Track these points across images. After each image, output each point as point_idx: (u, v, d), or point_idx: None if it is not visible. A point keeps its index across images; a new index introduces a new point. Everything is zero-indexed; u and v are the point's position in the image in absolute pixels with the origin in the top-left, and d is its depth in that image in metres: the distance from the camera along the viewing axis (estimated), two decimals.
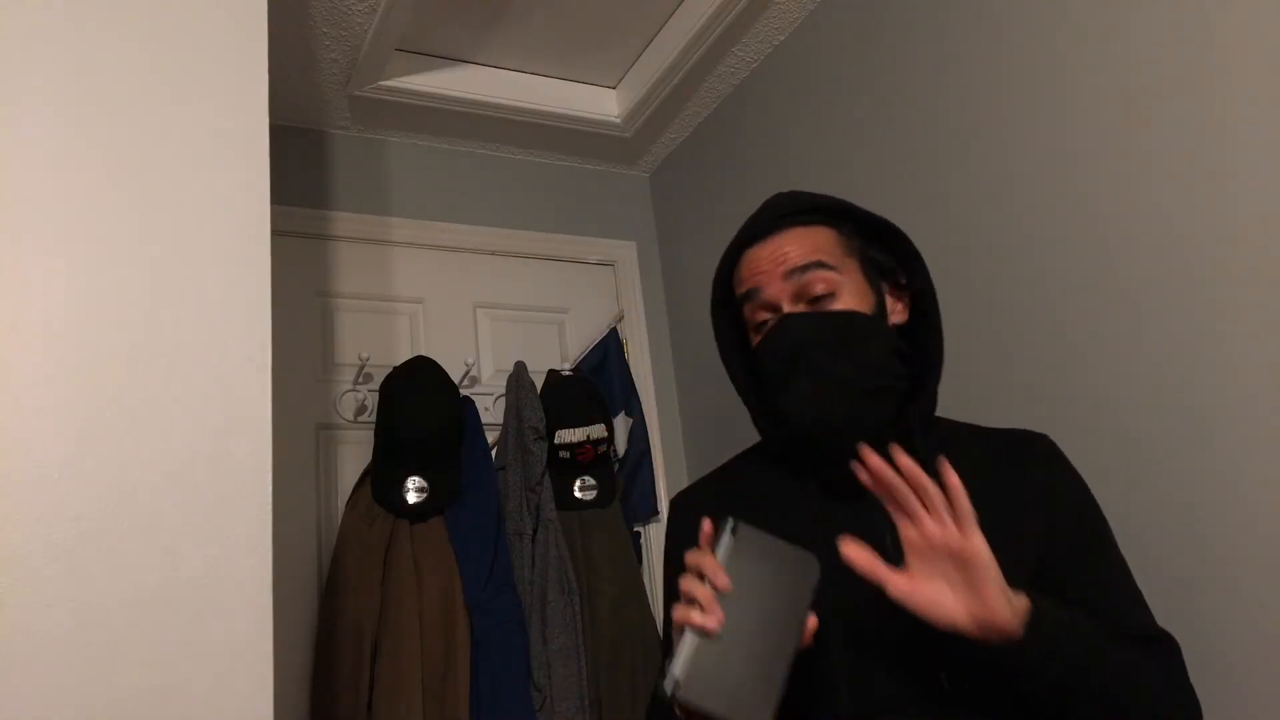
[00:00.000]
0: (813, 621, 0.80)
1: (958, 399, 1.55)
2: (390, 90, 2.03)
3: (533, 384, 2.02)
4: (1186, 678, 0.87)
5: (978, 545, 0.76)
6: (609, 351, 2.23)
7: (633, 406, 2.19)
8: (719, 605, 0.77)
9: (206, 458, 1.00)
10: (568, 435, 1.97)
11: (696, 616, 0.77)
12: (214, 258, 1.07)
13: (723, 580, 0.78)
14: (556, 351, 2.29)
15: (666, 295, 2.45)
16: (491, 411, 2.08)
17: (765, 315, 0.98)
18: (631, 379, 2.24)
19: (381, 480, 1.81)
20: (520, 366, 2.04)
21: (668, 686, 0.75)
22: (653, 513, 2.17)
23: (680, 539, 1.06)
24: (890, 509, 0.80)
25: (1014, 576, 0.79)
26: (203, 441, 1.01)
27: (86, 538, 0.93)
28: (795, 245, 0.98)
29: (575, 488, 1.98)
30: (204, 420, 1.01)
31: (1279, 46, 1.13)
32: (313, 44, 1.89)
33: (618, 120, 2.27)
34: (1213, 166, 1.20)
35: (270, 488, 1.03)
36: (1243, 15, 1.17)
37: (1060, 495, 0.93)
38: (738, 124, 2.18)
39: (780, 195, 1.06)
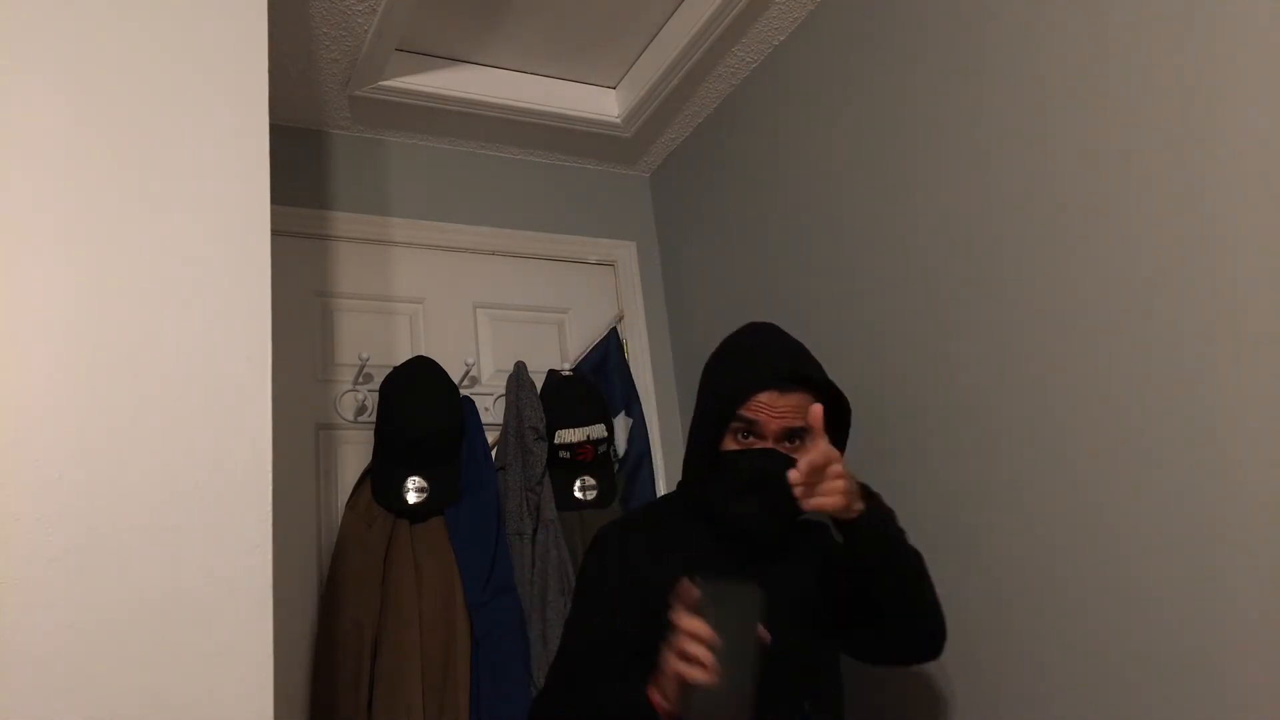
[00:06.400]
0: (764, 633, 1.06)
1: (959, 389, 1.56)
2: (390, 90, 2.03)
3: (533, 384, 2.02)
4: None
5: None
6: (609, 351, 2.23)
7: (633, 407, 2.19)
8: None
9: (206, 458, 1.00)
10: (568, 435, 1.97)
11: (701, 675, 1.02)
12: (214, 258, 1.07)
13: (714, 639, 1.02)
14: (556, 351, 2.29)
15: (666, 295, 2.45)
16: (491, 411, 2.08)
17: (756, 440, 1.30)
18: (631, 379, 2.24)
19: (381, 480, 1.81)
20: (520, 366, 2.04)
21: None
22: None
23: (614, 568, 1.34)
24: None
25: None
26: (203, 442, 1.01)
27: (86, 539, 0.93)
28: (797, 409, 1.29)
29: (575, 488, 1.98)
30: (204, 420, 1.01)
31: (1263, 62, 1.14)
32: (313, 44, 1.89)
33: (618, 120, 2.27)
34: (1204, 170, 1.20)
35: (270, 488, 1.03)
36: (1233, 33, 1.18)
37: None
38: (738, 124, 2.18)
39: (802, 354, 1.37)
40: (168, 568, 0.95)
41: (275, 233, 1.13)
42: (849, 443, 1.36)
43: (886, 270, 1.72)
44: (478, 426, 1.95)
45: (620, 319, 2.35)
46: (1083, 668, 1.33)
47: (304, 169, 2.13)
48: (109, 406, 0.98)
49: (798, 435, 1.31)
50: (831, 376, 1.32)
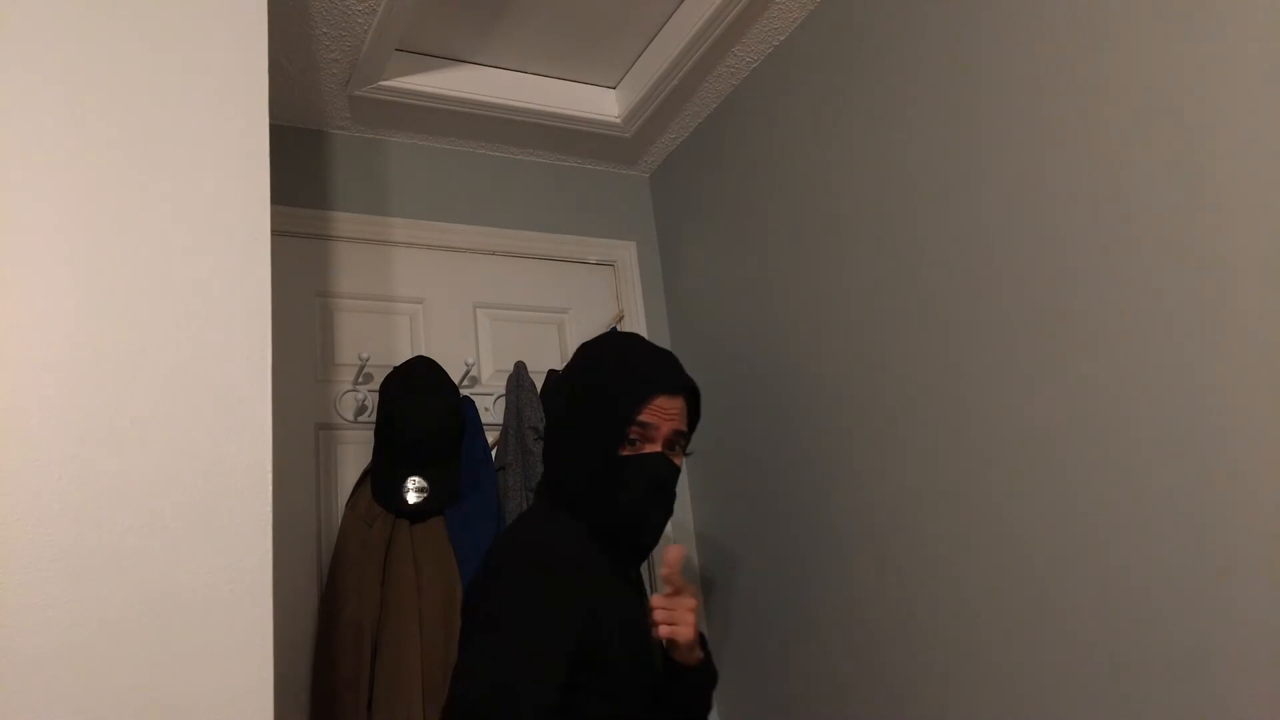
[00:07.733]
0: None
1: (956, 387, 1.55)
2: (390, 90, 2.03)
3: (533, 384, 2.02)
4: None
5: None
6: None
7: None
8: None
9: (207, 458, 1.00)
10: None
11: None
12: (214, 258, 1.07)
13: None
14: (556, 351, 2.29)
15: (666, 295, 2.45)
16: (491, 411, 2.08)
17: (647, 444, 1.33)
18: None
19: (381, 480, 1.81)
20: (520, 366, 2.04)
21: None
22: None
23: (581, 616, 1.22)
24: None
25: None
26: (203, 442, 1.01)
27: (86, 539, 0.93)
28: (682, 413, 1.37)
29: None
30: (204, 421, 1.01)
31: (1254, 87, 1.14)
32: (313, 44, 1.89)
33: (618, 120, 2.27)
34: (1204, 170, 1.20)
35: (270, 488, 1.03)
36: (1233, 33, 1.18)
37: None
38: (738, 124, 2.18)
39: (677, 363, 1.42)
40: (168, 568, 0.95)
41: (275, 233, 1.13)
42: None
43: (886, 269, 1.72)
44: (478, 426, 1.95)
45: (620, 319, 2.35)
46: (1080, 671, 1.32)
47: (304, 169, 2.13)
48: (109, 406, 0.98)
49: (679, 441, 1.36)
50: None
